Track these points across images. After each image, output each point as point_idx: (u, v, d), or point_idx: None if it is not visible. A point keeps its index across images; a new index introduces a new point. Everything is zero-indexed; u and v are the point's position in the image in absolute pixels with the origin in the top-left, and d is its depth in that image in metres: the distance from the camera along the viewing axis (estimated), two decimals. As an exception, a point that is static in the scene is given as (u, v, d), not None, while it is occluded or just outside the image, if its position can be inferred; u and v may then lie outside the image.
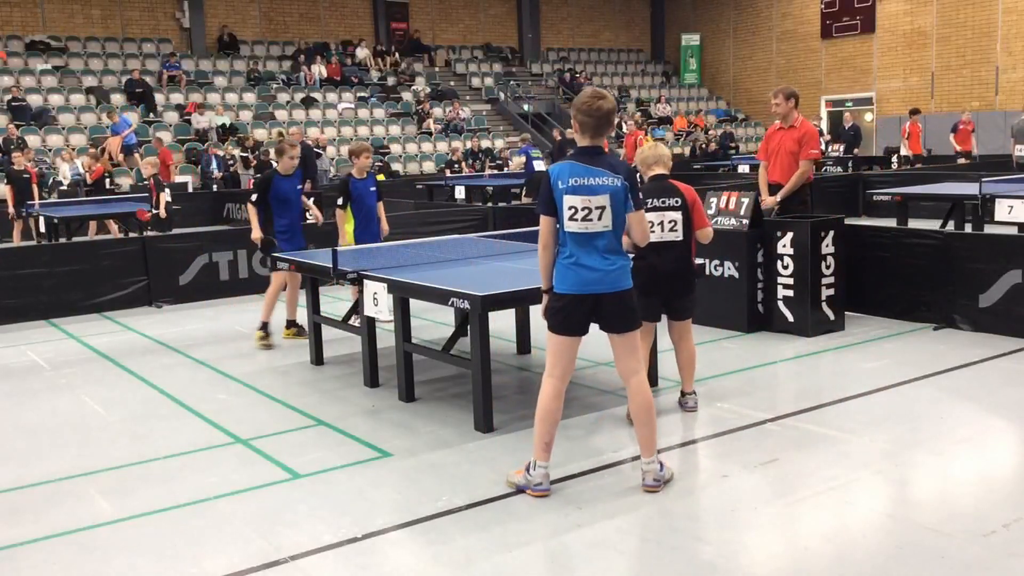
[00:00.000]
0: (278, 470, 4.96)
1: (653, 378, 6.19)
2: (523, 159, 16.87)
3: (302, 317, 8.14)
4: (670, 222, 5.40)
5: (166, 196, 14.10)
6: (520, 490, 4.48)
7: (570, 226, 4.23)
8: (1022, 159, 15.18)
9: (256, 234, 8.05)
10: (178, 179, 19.92)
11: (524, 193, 17.24)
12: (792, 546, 3.95)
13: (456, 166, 21.77)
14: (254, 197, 8.12)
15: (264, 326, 8.03)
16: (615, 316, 4.35)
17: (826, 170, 20.26)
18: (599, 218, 4.21)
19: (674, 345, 5.71)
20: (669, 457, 4.97)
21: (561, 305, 4.33)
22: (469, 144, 23.89)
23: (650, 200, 5.33)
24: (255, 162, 20.32)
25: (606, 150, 4.32)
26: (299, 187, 8.20)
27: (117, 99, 23.22)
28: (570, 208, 4.20)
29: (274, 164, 8.40)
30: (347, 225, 8.44)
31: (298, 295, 8.24)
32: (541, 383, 4.48)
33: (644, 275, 5.08)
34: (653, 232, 5.23)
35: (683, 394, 5.77)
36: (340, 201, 8.32)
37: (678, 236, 5.41)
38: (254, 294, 10.65)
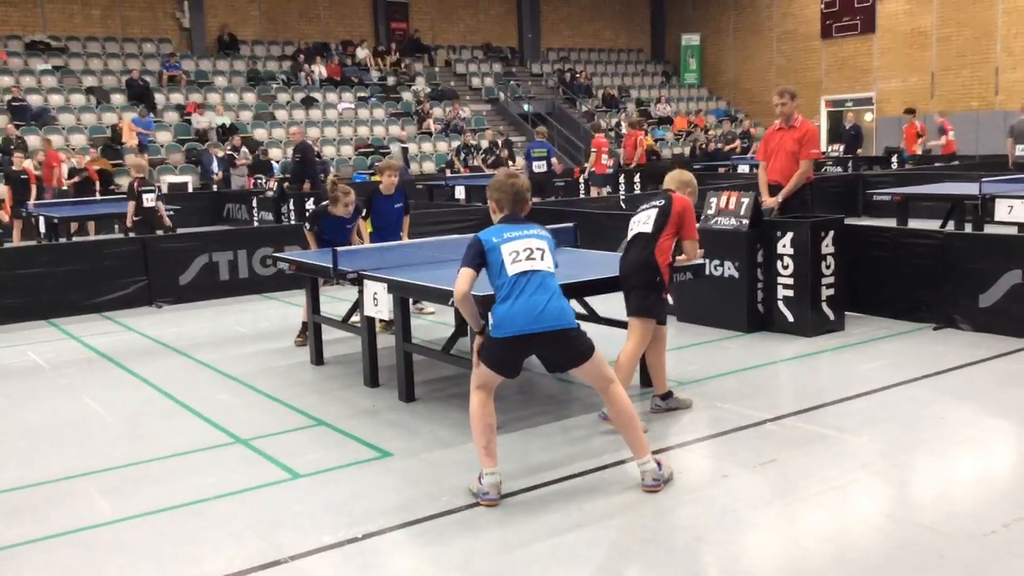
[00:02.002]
0: (278, 470, 4.96)
1: (649, 379, 6.19)
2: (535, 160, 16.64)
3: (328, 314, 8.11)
4: (645, 220, 5.48)
5: (149, 201, 13.65)
6: (477, 498, 4.42)
7: (514, 268, 4.37)
8: (1021, 159, 15.20)
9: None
10: (178, 179, 19.94)
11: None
12: (792, 546, 3.95)
13: (455, 165, 21.76)
14: (307, 225, 8.14)
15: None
16: (561, 356, 4.53)
17: (825, 170, 20.26)
18: (541, 258, 4.43)
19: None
20: (669, 457, 4.98)
21: (496, 347, 4.42)
22: (461, 139, 23.67)
23: (642, 204, 5.65)
24: (246, 161, 20.35)
25: None
26: (349, 226, 8.02)
27: (117, 99, 23.22)
28: (512, 253, 4.40)
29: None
30: (366, 232, 8.48)
31: None
32: (471, 393, 4.51)
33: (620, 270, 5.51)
34: (633, 229, 5.51)
35: (665, 395, 5.78)
36: (364, 212, 8.28)
37: (648, 228, 5.44)
38: (254, 294, 10.66)
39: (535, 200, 16.69)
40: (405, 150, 22.67)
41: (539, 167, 16.59)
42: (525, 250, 4.42)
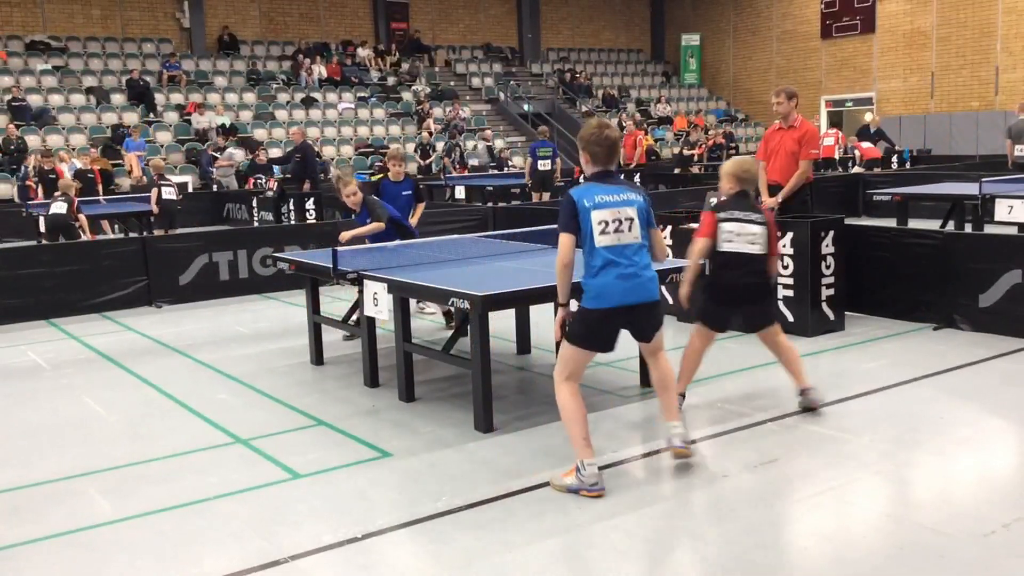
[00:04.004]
0: (278, 470, 4.96)
1: (647, 380, 6.19)
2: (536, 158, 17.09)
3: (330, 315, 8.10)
4: (751, 240, 5.33)
5: (169, 193, 14.22)
6: (572, 491, 4.41)
7: (602, 240, 4.32)
8: (1021, 159, 15.23)
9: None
10: (178, 179, 19.94)
11: (531, 189, 17.41)
12: (792, 546, 3.95)
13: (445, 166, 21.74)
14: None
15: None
16: (647, 325, 4.59)
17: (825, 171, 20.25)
18: (629, 229, 4.36)
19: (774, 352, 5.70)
20: (671, 456, 4.98)
21: (593, 319, 4.40)
22: (448, 140, 23.50)
23: (732, 212, 5.38)
24: (228, 163, 20.39)
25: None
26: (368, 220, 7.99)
27: (117, 99, 23.23)
28: (600, 223, 4.31)
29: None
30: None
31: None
32: (556, 389, 4.52)
33: (720, 285, 5.44)
34: (731, 243, 5.31)
35: (803, 392, 5.65)
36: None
37: (761, 250, 5.34)
38: (254, 294, 10.66)
39: (539, 197, 17.03)
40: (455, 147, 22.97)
41: (544, 165, 17.17)
42: (614, 221, 4.33)
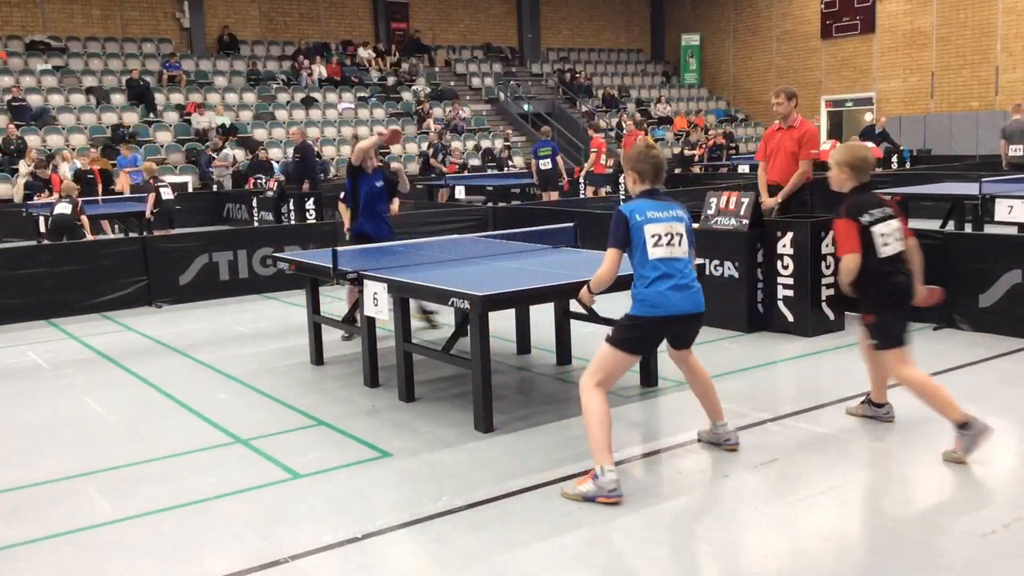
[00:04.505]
0: (278, 470, 4.96)
1: (653, 378, 6.20)
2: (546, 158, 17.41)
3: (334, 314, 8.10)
4: (897, 236, 4.84)
5: (166, 193, 14.34)
6: (588, 499, 4.33)
7: (656, 252, 4.46)
8: (1015, 159, 15.27)
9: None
10: (178, 179, 19.94)
11: (540, 187, 17.54)
12: (792, 546, 3.95)
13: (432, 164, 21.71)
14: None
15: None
16: (691, 333, 4.78)
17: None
18: (679, 244, 4.53)
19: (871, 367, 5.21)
20: (671, 456, 4.99)
21: (646, 326, 4.54)
22: (427, 143, 23.31)
23: (874, 212, 4.80)
24: (224, 164, 20.42)
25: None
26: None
27: (117, 99, 23.23)
28: (654, 236, 4.47)
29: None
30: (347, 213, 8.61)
31: None
32: (585, 391, 4.52)
33: (894, 293, 4.82)
34: (888, 246, 4.78)
35: (879, 405, 5.27)
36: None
37: (902, 246, 4.87)
38: (254, 294, 10.66)
39: (541, 195, 17.12)
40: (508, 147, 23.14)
41: (545, 165, 17.38)
42: (667, 235, 4.48)
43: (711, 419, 5.00)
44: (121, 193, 18.18)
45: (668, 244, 4.47)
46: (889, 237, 4.78)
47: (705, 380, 4.93)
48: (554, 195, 17.16)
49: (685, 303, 4.51)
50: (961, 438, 4.64)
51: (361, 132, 24.69)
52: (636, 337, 4.55)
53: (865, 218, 4.75)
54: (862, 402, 5.45)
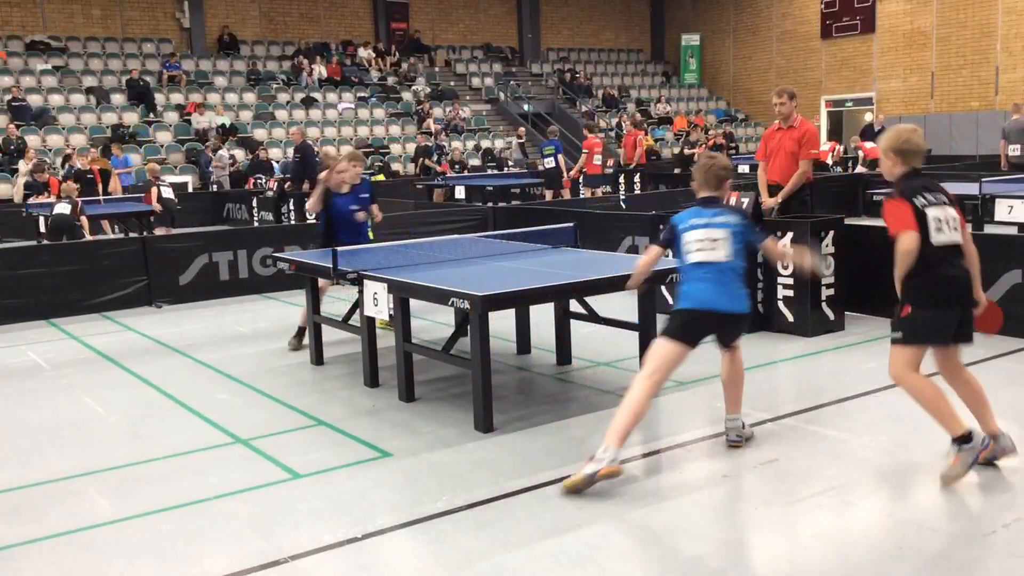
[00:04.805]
0: (278, 470, 4.96)
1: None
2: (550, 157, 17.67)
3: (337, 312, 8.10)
4: (955, 226, 4.36)
5: (167, 192, 14.44)
6: (590, 479, 4.36)
7: (695, 256, 4.79)
8: (1015, 159, 15.27)
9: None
10: (178, 179, 19.95)
11: (546, 185, 17.70)
12: (792, 546, 3.95)
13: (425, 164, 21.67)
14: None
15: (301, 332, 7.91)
16: (732, 332, 5.00)
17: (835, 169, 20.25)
18: (715, 248, 4.77)
19: (956, 386, 4.62)
20: (671, 456, 4.99)
21: (686, 317, 4.80)
22: (427, 142, 23.09)
23: (928, 196, 4.34)
24: (219, 164, 20.42)
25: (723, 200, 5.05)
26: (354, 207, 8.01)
27: (117, 99, 23.23)
28: (694, 241, 4.81)
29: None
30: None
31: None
32: (638, 380, 4.67)
33: (944, 285, 4.32)
34: (941, 232, 4.29)
35: (993, 437, 4.56)
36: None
37: (960, 238, 4.39)
38: (254, 294, 10.66)
39: (547, 193, 17.24)
40: (521, 146, 23.20)
41: (549, 163, 17.74)
42: (704, 240, 4.78)
43: (726, 409, 5.11)
44: (111, 194, 18.24)
45: (701, 250, 4.77)
46: (944, 224, 4.29)
47: (736, 372, 5.08)
48: (566, 194, 17.37)
49: (720, 301, 4.74)
50: (962, 453, 4.33)
51: (361, 132, 24.73)
52: (677, 326, 4.79)
53: (919, 200, 4.29)
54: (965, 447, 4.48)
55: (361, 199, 7.92)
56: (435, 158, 21.83)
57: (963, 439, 4.35)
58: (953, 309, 4.36)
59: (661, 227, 5.15)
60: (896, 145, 4.46)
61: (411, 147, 24.20)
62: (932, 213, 4.27)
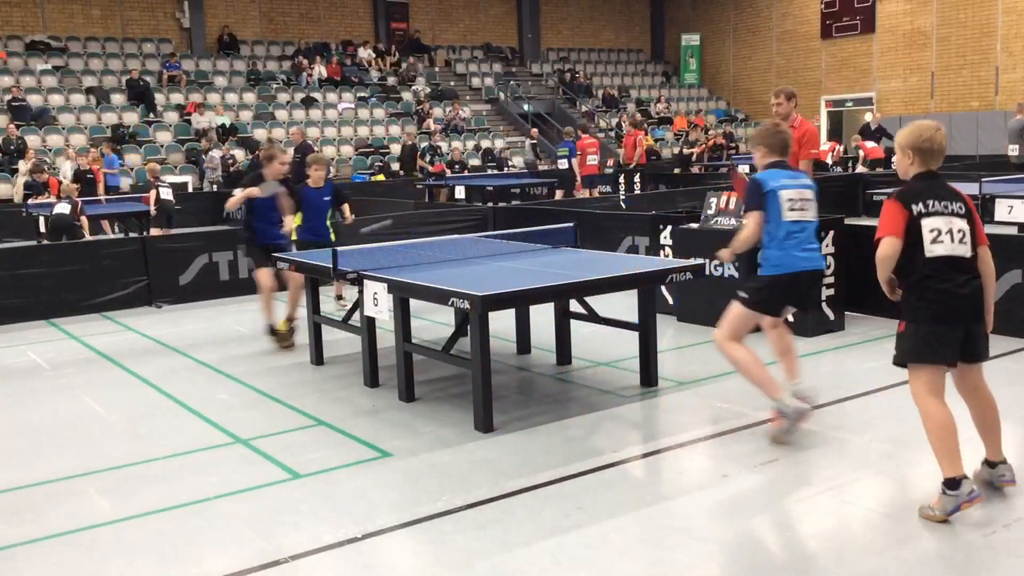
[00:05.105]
0: (278, 470, 4.96)
1: (653, 378, 6.20)
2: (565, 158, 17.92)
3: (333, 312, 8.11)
4: (962, 239, 4.03)
5: (166, 193, 14.47)
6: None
7: (789, 215, 4.99)
8: (1014, 159, 15.26)
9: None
10: (178, 179, 19.95)
11: (559, 186, 17.90)
12: (792, 546, 3.95)
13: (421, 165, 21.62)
14: None
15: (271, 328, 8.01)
16: (814, 294, 5.30)
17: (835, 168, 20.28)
18: (808, 209, 5.07)
19: (970, 405, 4.38)
20: (671, 456, 4.98)
21: (770, 285, 5.04)
22: (400, 144, 23.02)
23: (931, 203, 4.02)
24: (210, 165, 20.48)
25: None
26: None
27: (117, 99, 23.23)
28: (789, 200, 5.00)
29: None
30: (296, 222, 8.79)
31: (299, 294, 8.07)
32: (724, 346, 5.10)
33: (936, 300, 4.04)
34: (940, 244, 3.99)
35: (991, 464, 4.31)
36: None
37: (969, 251, 4.08)
38: (254, 294, 10.64)
39: (558, 193, 17.36)
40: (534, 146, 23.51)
41: (562, 164, 18.08)
42: (800, 199, 5.02)
43: (785, 377, 5.27)
44: (97, 183, 18.27)
45: (800, 209, 4.98)
46: (945, 235, 3.94)
47: (786, 346, 5.33)
48: (586, 193, 17.58)
49: (807, 261, 5.01)
50: (945, 498, 3.93)
51: (361, 132, 24.73)
52: (765, 299, 5.03)
53: (917, 207, 3.95)
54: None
55: (324, 201, 8.73)
56: (428, 159, 21.77)
57: (952, 483, 3.93)
58: (952, 326, 4.04)
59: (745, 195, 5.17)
60: (915, 142, 4.06)
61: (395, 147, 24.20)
62: (931, 222, 3.95)
